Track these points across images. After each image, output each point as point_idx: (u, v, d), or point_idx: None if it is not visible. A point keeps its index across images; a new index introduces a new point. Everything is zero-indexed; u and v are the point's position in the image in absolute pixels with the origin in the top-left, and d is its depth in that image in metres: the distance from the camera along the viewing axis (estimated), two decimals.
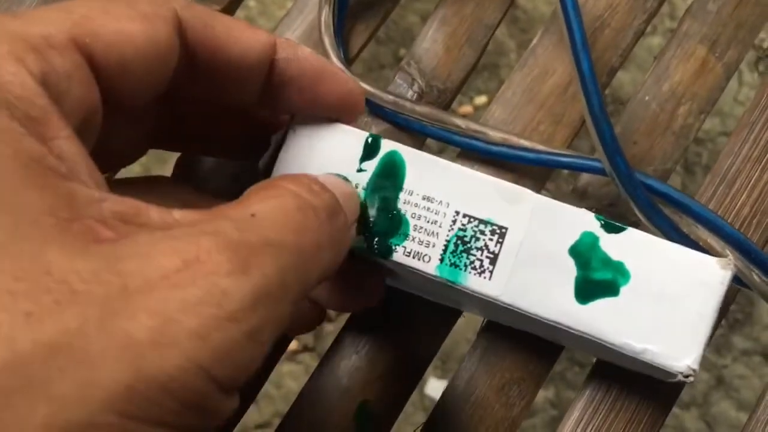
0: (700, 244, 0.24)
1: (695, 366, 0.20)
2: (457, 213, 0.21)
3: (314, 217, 0.16)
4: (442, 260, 0.21)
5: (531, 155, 0.27)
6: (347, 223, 0.18)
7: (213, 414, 0.14)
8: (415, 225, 0.21)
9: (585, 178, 0.28)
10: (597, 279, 0.21)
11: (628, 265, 0.21)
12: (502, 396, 0.27)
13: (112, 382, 0.12)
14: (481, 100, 0.74)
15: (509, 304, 0.21)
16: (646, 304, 0.20)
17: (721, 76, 0.29)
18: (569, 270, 0.21)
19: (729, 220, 0.27)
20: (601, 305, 0.20)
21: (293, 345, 0.69)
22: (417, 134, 0.29)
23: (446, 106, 0.30)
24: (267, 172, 0.23)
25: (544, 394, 0.68)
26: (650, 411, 0.26)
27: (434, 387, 0.68)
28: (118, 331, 0.13)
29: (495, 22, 0.30)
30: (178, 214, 0.15)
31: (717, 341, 0.68)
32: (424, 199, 0.21)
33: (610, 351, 0.21)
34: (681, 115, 0.29)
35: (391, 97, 0.28)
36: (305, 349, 0.70)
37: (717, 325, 0.27)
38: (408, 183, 0.21)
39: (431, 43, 0.30)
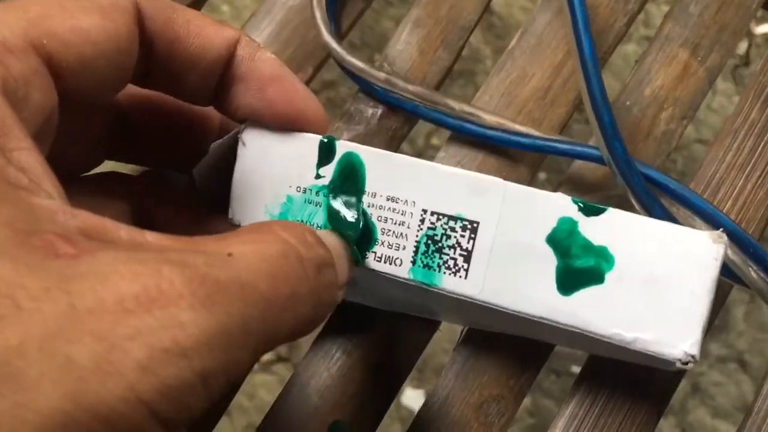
0: None
1: (693, 351, 0.18)
2: (425, 211, 0.20)
3: (298, 267, 0.15)
4: (414, 262, 0.20)
5: (526, 140, 0.26)
6: (336, 283, 0.17)
7: None
8: (383, 228, 0.20)
9: (575, 171, 0.27)
10: (579, 267, 0.19)
11: (612, 249, 0.19)
12: (481, 415, 0.26)
13: (47, 407, 0.12)
14: None
15: (488, 303, 0.20)
16: (635, 289, 0.19)
17: (703, 81, 0.28)
18: (549, 260, 0.19)
19: None
20: (585, 295, 0.19)
21: (267, 355, 0.68)
22: (409, 114, 0.28)
23: None
24: (202, 180, 0.22)
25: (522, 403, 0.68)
26: (636, 428, 0.25)
27: (410, 397, 0.67)
28: (59, 353, 0.12)
29: (471, 25, 0.29)
30: (150, 236, 0.14)
31: None
32: (388, 200, 0.20)
33: (600, 343, 0.19)
34: (663, 120, 0.28)
35: (383, 75, 0.27)
36: (279, 359, 0.69)
37: (717, 309, 0.25)
38: (370, 184, 0.20)
39: (405, 45, 0.29)
